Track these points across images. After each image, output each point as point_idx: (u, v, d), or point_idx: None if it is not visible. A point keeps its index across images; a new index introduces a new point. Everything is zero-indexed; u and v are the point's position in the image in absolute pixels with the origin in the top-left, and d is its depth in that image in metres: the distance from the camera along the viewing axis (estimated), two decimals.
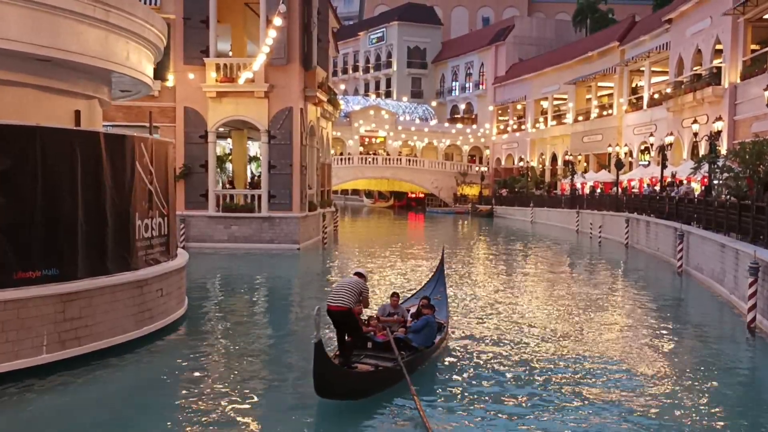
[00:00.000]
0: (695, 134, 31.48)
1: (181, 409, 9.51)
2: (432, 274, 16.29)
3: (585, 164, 55.10)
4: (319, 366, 8.93)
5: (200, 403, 9.65)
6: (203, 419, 9.00)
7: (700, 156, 29.97)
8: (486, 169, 69.02)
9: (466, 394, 10.33)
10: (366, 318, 11.47)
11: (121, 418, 9.18)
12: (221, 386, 10.41)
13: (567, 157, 55.29)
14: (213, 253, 26.54)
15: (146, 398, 10.13)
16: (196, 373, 11.08)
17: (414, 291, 15.85)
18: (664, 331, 14.79)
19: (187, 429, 8.73)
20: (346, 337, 10.55)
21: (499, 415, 9.52)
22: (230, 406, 9.49)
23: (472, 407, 9.78)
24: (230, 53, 31.64)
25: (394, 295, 12.54)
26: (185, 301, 15.08)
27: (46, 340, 10.54)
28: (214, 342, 13.28)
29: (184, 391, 10.30)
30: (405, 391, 9.61)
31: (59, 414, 9.26)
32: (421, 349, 10.96)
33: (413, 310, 12.36)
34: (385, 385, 9.89)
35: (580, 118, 55.06)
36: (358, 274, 10.96)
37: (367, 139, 69.73)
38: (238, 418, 9.09)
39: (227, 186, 31.34)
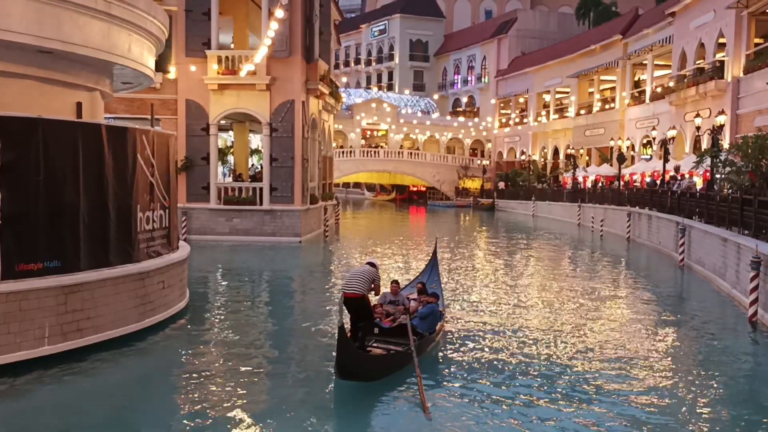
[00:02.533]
0: (698, 128, 31.45)
1: (183, 401, 9.53)
2: (426, 264, 16.59)
3: (587, 158, 55.04)
4: (341, 349, 9.38)
5: (202, 394, 9.68)
6: (205, 411, 9.02)
7: (703, 150, 29.92)
8: (488, 162, 68.94)
9: (464, 378, 10.56)
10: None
11: (123, 410, 9.21)
12: (223, 378, 10.44)
13: (569, 151, 55.22)
14: (214, 246, 26.55)
15: (148, 390, 10.17)
16: (198, 365, 11.11)
17: (410, 280, 15.99)
18: (665, 325, 14.80)
19: (189, 421, 8.74)
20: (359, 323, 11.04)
21: (497, 400, 9.65)
22: (232, 398, 9.51)
23: (469, 390, 10.03)
24: (232, 45, 31.59)
25: (394, 282, 12.81)
26: (187, 293, 15.10)
27: (48, 331, 10.56)
28: (215, 334, 13.31)
29: (185, 383, 10.32)
30: (408, 377, 10.03)
31: (61, 406, 9.29)
32: (425, 334, 11.48)
33: (413, 297, 12.74)
34: (397, 367, 10.35)
35: (583, 111, 54.97)
36: (370, 263, 11.49)
37: (368, 132, 69.69)
38: (241, 410, 9.10)
39: (235, 177, 31.10)
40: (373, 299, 11.79)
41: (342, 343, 9.38)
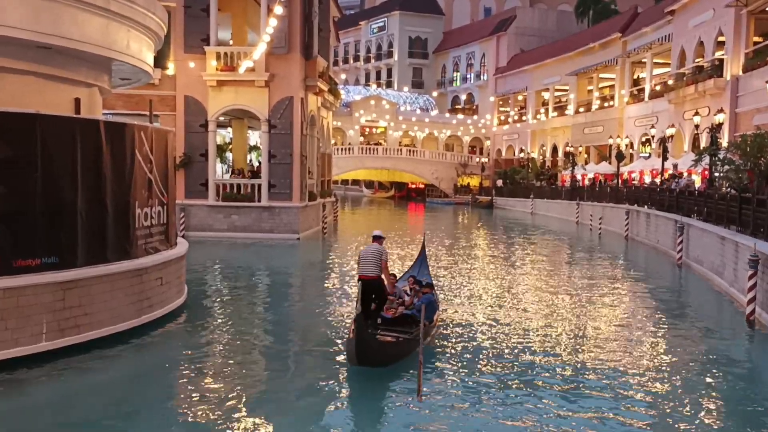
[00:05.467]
0: (696, 126, 31.45)
1: (181, 398, 9.54)
2: (415, 258, 16.90)
3: (586, 156, 55.05)
4: (360, 337, 9.88)
5: (201, 390, 9.67)
6: (203, 407, 9.01)
7: (701, 148, 29.94)
8: (486, 160, 68.95)
9: (458, 369, 10.79)
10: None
11: (120, 407, 9.20)
12: (221, 374, 10.43)
13: (568, 149, 55.25)
14: (213, 243, 26.53)
15: (145, 387, 10.15)
16: (196, 362, 11.10)
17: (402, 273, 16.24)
18: (663, 324, 14.80)
19: (187, 417, 8.74)
20: (369, 307, 11.71)
21: (488, 390, 9.82)
22: (230, 394, 9.50)
23: (462, 380, 10.31)
24: (231, 42, 31.53)
25: (392, 276, 13.12)
26: (185, 289, 15.09)
27: (45, 328, 10.54)
28: (213, 331, 13.30)
29: (183, 380, 10.33)
30: (407, 363, 10.50)
31: (58, 402, 9.28)
32: (425, 324, 11.79)
33: (407, 291, 13.21)
34: (406, 353, 10.75)
35: (582, 109, 54.98)
36: (376, 237, 12.11)
37: (367, 129, 69.64)
38: (238, 407, 9.09)
39: (236, 174, 30.98)
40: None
41: (360, 332, 9.85)
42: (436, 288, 14.57)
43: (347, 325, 13.16)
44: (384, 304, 11.90)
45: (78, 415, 8.91)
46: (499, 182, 61.78)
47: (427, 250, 16.75)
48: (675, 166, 33.53)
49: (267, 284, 19.71)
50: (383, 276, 11.69)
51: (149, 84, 21.90)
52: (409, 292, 13.00)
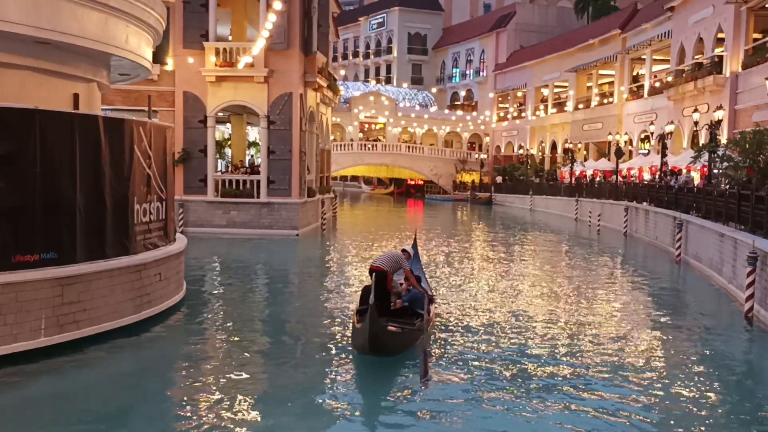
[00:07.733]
0: (696, 123, 31.44)
1: (179, 394, 9.53)
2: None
3: (585, 152, 55.05)
4: (372, 325, 10.23)
5: (199, 387, 9.67)
6: (202, 404, 9.01)
7: (700, 145, 29.92)
8: (485, 156, 68.94)
9: (456, 364, 10.77)
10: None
11: (119, 403, 9.21)
12: (220, 370, 10.43)
13: (567, 145, 55.25)
14: (212, 238, 26.52)
15: (144, 382, 10.15)
16: (195, 358, 11.12)
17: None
18: (662, 320, 14.81)
19: (186, 413, 8.73)
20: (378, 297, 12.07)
21: (488, 387, 9.79)
22: (229, 390, 9.50)
23: (461, 374, 10.24)
24: (230, 37, 31.50)
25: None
26: (184, 285, 15.09)
27: (44, 323, 10.53)
28: (212, 326, 13.31)
29: (182, 376, 10.33)
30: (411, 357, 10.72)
31: (57, 398, 9.27)
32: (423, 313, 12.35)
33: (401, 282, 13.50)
34: (410, 343, 11.07)
35: (581, 106, 54.95)
36: (403, 250, 12.88)
37: (366, 126, 69.59)
38: (239, 401, 9.09)
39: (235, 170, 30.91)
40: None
41: (372, 320, 10.18)
42: (432, 281, 14.67)
43: (347, 318, 13.22)
44: (387, 298, 12.24)
45: (77, 410, 8.89)
46: (498, 179, 61.87)
47: (425, 247, 16.80)
48: (665, 164, 33.44)
49: (266, 280, 19.72)
50: (404, 272, 12.45)
51: (148, 79, 21.91)
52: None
